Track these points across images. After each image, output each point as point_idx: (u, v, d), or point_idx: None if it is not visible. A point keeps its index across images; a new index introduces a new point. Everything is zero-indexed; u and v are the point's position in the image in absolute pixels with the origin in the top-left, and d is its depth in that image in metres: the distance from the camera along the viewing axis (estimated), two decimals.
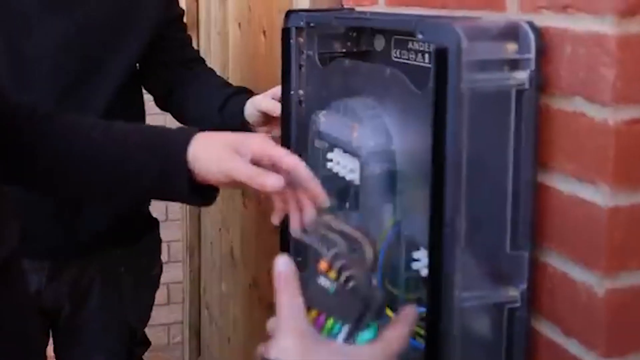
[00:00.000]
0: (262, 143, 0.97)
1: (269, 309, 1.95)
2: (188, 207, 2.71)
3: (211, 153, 0.99)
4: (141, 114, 1.58)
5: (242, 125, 1.37)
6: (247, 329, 2.17)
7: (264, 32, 1.81)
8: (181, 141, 1.02)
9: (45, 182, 1.09)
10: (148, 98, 1.63)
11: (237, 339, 2.26)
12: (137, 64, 1.51)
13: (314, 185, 0.94)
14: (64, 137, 1.06)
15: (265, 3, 1.79)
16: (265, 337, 2.10)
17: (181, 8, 1.61)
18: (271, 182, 0.92)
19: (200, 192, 1.03)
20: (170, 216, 3.00)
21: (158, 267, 1.68)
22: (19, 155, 1.06)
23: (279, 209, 1.00)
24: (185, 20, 1.64)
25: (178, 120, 1.62)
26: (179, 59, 1.54)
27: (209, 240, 2.60)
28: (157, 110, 1.65)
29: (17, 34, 1.35)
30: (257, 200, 1.97)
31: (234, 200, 2.19)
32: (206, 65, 1.59)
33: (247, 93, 1.43)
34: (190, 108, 1.51)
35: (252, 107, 1.35)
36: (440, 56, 0.70)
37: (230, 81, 1.74)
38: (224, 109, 1.41)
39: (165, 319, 3.21)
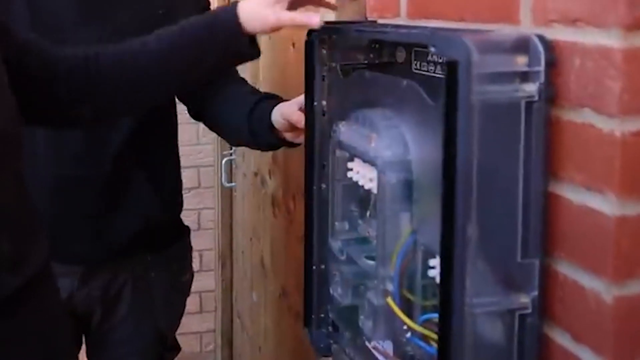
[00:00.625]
0: None
1: (298, 318, 1.97)
2: (221, 216, 2.75)
3: (257, 12, 1.18)
4: (173, 124, 1.61)
5: (269, 130, 1.40)
6: (276, 338, 2.20)
7: (293, 44, 1.85)
8: (230, 12, 1.20)
9: (125, 105, 1.24)
10: (181, 108, 1.66)
11: (268, 348, 2.29)
12: None
13: None
14: (125, 62, 1.20)
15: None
16: (294, 346, 2.13)
17: None
18: (316, 20, 1.12)
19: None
20: (202, 225, 3.04)
21: (189, 273, 1.71)
22: (90, 95, 1.18)
23: None
24: None
25: (211, 128, 1.66)
26: None
27: (240, 250, 2.64)
28: (189, 119, 1.69)
29: (51, 42, 1.38)
30: (286, 210, 2.00)
31: (264, 210, 2.23)
32: (238, 74, 1.63)
33: (274, 99, 1.45)
34: (222, 116, 1.54)
35: (279, 115, 1.38)
36: (451, 68, 0.73)
37: (261, 90, 1.77)
38: (252, 115, 1.44)
39: (198, 327, 3.25)
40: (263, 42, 2.10)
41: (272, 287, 2.21)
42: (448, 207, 0.76)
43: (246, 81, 1.62)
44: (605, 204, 0.75)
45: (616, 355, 0.77)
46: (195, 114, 1.65)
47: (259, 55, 1.25)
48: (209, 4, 1.61)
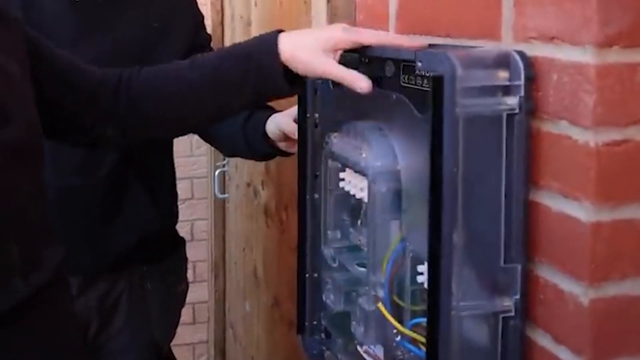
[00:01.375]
0: (344, 36, 1.06)
1: (290, 327, 2.01)
2: (214, 227, 2.78)
3: (302, 55, 1.07)
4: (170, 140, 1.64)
5: (263, 140, 1.44)
6: (269, 347, 2.22)
7: None
8: (269, 45, 1.10)
9: (152, 130, 1.22)
10: None
11: (260, 358, 2.31)
12: None
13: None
14: (157, 88, 1.17)
15: (287, 28, 1.84)
16: (287, 355, 2.15)
17: (208, 34, 1.67)
18: (364, 85, 1.02)
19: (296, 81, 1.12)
20: (195, 236, 3.07)
21: (184, 284, 1.74)
22: (116, 117, 1.16)
23: None
24: (212, 45, 1.71)
25: (204, 139, 1.69)
26: None
27: (233, 260, 2.67)
28: None
29: None
30: (279, 220, 2.04)
31: (257, 220, 2.26)
32: None
33: (268, 109, 1.49)
34: (216, 127, 1.57)
35: (274, 125, 1.41)
36: (437, 83, 0.77)
37: None
38: (247, 125, 1.48)
39: (191, 339, 3.26)
40: None
41: (264, 296, 2.24)
42: (435, 215, 0.80)
43: None
44: (581, 211, 0.80)
45: (594, 354, 0.81)
46: None
47: (300, 90, 1.18)
48: (202, 18, 1.64)
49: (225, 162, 2.62)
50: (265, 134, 1.43)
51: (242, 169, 2.43)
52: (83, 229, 1.47)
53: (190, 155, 2.94)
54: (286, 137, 1.40)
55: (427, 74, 0.96)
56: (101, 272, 1.51)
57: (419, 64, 0.81)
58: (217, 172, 2.62)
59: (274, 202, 2.09)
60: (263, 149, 1.46)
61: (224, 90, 1.14)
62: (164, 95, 1.16)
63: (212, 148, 2.66)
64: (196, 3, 1.63)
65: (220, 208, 2.72)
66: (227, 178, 2.64)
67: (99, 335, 1.57)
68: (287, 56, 1.08)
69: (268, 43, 1.11)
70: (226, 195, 2.64)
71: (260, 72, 1.10)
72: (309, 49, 1.07)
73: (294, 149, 1.41)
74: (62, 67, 1.14)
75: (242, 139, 1.48)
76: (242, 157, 1.64)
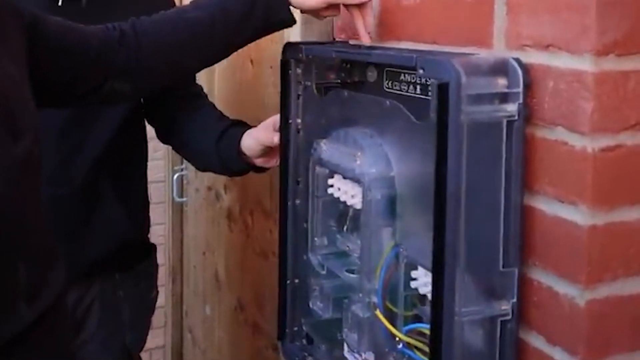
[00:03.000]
0: None
1: (255, 330, 2.00)
2: (171, 232, 2.75)
3: None
4: (143, 144, 1.61)
5: (238, 157, 1.43)
6: (232, 350, 2.21)
7: (252, 61, 1.87)
8: None
9: (163, 76, 1.24)
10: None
11: None
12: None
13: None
14: (163, 32, 1.20)
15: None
16: (251, 358, 2.13)
17: None
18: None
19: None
20: (152, 241, 3.02)
21: (155, 291, 1.72)
22: (129, 69, 1.18)
23: None
24: None
25: (178, 152, 1.67)
26: (182, 94, 1.57)
27: (192, 264, 2.64)
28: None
29: None
30: (243, 224, 2.03)
31: (219, 224, 2.24)
32: (207, 99, 1.64)
33: (242, 125, 1.48)
34: (190, 142, 1.55)
35: (253, 141, 1.40)
36: (442, 90, 0.78)
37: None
38: (220, 141, 1.46)
39: (148, 344, 3.21)
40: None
41: (226, 300, 2.23)
42: (439, 224, 0.80)
43: (214, 105, 1.64)
44: (578, 215, 0.82)
45: (588, 354, 0.83)
46: (164, 138, 1.66)
47: (295, 22, 1.23)
48: None
49: (183, 166, 2.59)
50: (240, 150, 1.41)
51: (202, 173, 2.41)
52: (56, 237, 1.44)
53: (149, 159, 2.90)
54: (263, 153, 1.38)
55: (415, 81, 0.98)
56: (74, 280, 1.48)
57: (421, 71, 0.81)
58: (175, 176, 2.59)
59: (238, 206, 2.07)
60: (237, 165, 1.44)
61: (231, 26, 1.19)
62: (171, 39, 1.19)
63: (170, 151, 2.63)
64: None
65: (178, 212, 2.69)
66: (185, 182, 2.61)
67: (72, 342, 1.55)
68: None
69: None
70: (184, 199, 2.61)
71: (269, 4, 1.17)
72: None
73: (270, 163, 1.40)
74: (62, 37, 1.13)
75: (215, 156, 1.46)
76: (214, 172, 1.62)
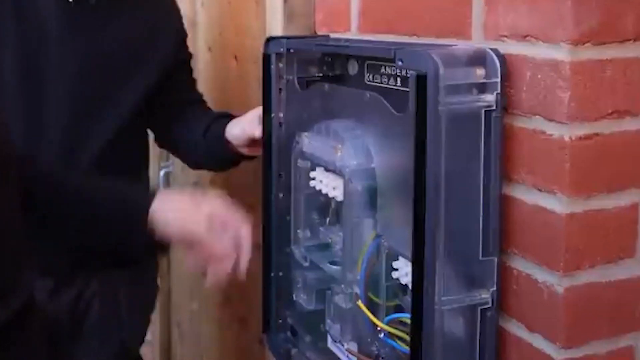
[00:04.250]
0: (216, 207, 1.19)
1: (241, 324, 2.00)
2: None
3: (174, 213, 1.19)
4: (145, 144, 1.61)
5: (225, 147, 1.43)
6: (220, 344, 2.22)
7: (235, 57, 1.87)
8: (143, 201, 1.20)
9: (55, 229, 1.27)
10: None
11: (212, 355, 2.30)
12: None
13: (244, 258, 1.16)
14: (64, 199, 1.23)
15: (236, 28, 1.86)
16: (239, 351, 2.13)
17: (190, 52, 1.65)
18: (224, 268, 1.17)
19: (157, 246, 1.24)
20: None
21: (155, 288, 1.72)
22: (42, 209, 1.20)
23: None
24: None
25: (174, 154, 1.69)
26: (181, 100, 1.57)
27: (178, 260, 2.65)
28: None
29: (36, 52, 1.36)
30: None
31: None
32: (206, 105, 1.64)
33: (226, 117, 1.47)
34: (180, 139, 1.56)
35: (236, 129, 1.40)
36: (420, 81, 0.78)
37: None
38: (207, 134, 1.47)
39: None
40: (202, 54, 2.13)
41: (213, 295, 2.23)
42: (418, 215, 0.81)
43: (205, 102, 1.64)
44: (556, 203, 0.83)
45: (567, 340, 0.84)
46: (160, 143, 1.67)
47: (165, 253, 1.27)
48: (186, 36, 1.62)
49: (170, 162, 2.59)
50: (226, 139, 1.42)
51: (188, 169, 2.41)
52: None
53: None
54: (250, 142, 1.39)
55: (394, 73, 0.98)
56: (73, 276, 1.48)
57: (400, 63, 0.82)
58: (162, 173, 2.58)
59: None
60: (224, 154, 1.45)
61: (88, 222, 1.24)
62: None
63: (156, 148, 2.63)
64: (182, 21, 1.62)
65: None
66: (171, 179, 2.61)
67: (70, 339, 1.55)
68: (158, 209, 1.19)
69: (145, 194, 1.23)
70: None
71: (126, 227, 1.21)
72: (180, 204, 1.22)
73: (258, 152, 1.40)
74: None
75: (203, 147, 1.47)
76: (207, 168, 1.63)
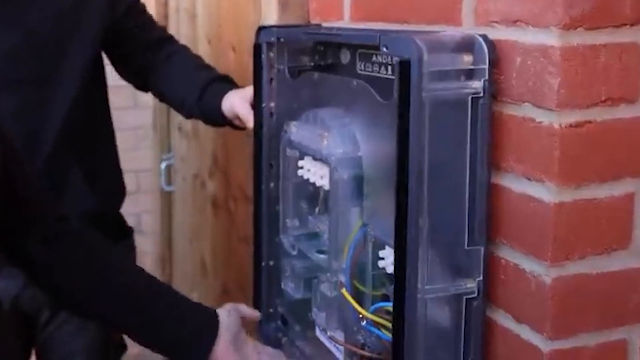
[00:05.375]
0: None
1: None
2: (161, 220, 2.75)
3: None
4: (107, 121, 1.61)
5: (219, 115, 1.43)
6: None
7: (234, 48, 1.87)
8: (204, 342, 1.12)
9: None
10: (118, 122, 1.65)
11: None
12: (106, 64, 1.55)
13: None
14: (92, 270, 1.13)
15: (234, 20, 1.85)
16: None
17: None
18: None
19: None
20: (143, 230, 3.02)
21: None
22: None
23: None
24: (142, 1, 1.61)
25: (159, 99, 1.66)
26: (143, 44, 1.56)
27: (180, 252, 2.65)
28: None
29: None
30: (227, 210, 2.02)
31: (204, 211, 2.24)
32: (177, 42, 1.62)
33: (223, 82, 1.48)
34: (170, 92, 1.56)
35: (229, 106, 1.40)
36: (404, 67, 0.77)
37: None
38: (201, 101, 1.47)
39: None
40: (201, 46, 2.12)
41: (213, 286, 2.23)
42: (401, 201, 0.80)
43: (187, 48, 1.62)
44: (545, 192, 0.81)
45: (554, 331, 0.83)
46: (141, 88, 1.65)
47: None
48: None
49: (171, 154, 2.59)
50: (221, 110, 1.42)
51: (188, 161, 2.41)
52: None
53: (136, 148, 2.90)
54: (239, 120, 1.39)
55: (386, 62, 0.97)
56: None
57: (384, 49, 0.80)
58: (163, 165, 2.58)
59: (222, 193, 2.07)
60: (218, 121, 1.47)
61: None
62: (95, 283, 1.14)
63: (158, 141, 2.64)
64: None
65: (167, 200, 2.69)
66: (172, 171, 2.61)
67: (49, 325, 1.55)
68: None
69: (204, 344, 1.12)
70: (172, 187, 2.61)
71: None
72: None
73: (249, 123, 1.39)
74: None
75: (197, 109, 1.49)
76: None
